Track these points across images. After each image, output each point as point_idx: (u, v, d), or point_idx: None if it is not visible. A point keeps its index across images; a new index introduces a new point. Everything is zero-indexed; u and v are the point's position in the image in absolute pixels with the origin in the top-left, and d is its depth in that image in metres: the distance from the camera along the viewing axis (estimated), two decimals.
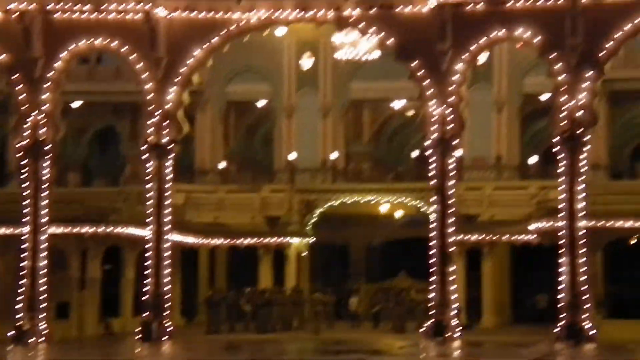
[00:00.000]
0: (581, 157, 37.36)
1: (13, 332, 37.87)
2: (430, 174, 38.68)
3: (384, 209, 49.34)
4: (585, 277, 36.88)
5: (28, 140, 39.19)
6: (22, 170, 39.93)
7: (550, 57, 37.52)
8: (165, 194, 39.67)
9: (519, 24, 37.64)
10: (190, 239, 44.79)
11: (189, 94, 41.03)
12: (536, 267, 42.79)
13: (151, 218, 39.48)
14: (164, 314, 38.79)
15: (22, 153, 39.69)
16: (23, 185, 39.76)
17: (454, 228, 38.46)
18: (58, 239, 39.95)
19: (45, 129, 39.14)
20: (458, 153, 39.05)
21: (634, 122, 53.33)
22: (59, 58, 39.21)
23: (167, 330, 38.47)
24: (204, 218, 47.36)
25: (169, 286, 39.77)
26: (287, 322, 44.62)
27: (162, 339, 37.73)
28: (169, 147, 39.50)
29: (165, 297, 39.21)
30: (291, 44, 49.29)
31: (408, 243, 45.37)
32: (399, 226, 49.55)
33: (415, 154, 50.00)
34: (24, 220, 39.04)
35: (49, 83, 39.14)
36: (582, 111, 36.99)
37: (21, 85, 39.28)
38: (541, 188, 44.78)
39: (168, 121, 39.35)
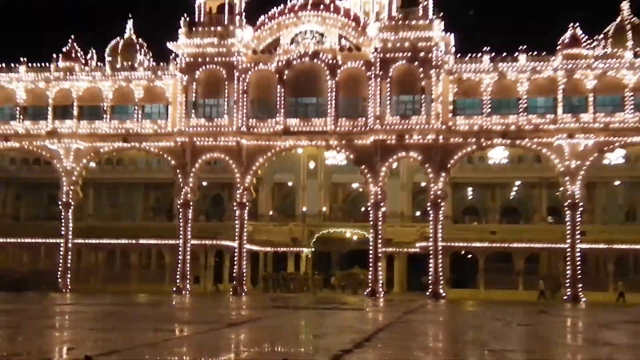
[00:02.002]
0: (440, 213, 38.49)
1: (175, 288, 39.26)
2: (370, 219, 39.32)
3: (348, 235, 48.11)
4: (441, 268, 38.08)
5: (182, 200, 40.22)
6: (180, 215, 40.71)
7: (426, 166, 38.41)
8: (244, 226, 40.27)
9: (412, 150, 38.44)
10: (255, 248, 44.54)
11: (256, 179, 41.36)
12: (418, 263, 42.24)
13: (237, 237, 40.07)
14: (243, 283, 39.87)
15: (180, 206, 40.64)
16: (180, 221, 40.54)
17: (381, 245, 39.09)
18: (195, 246, 40.58)
19: (190, 194, 40.06)
20: (383, 209, 39.36)
21: (465, 197, 50.73)
22: (197, 162, 40.13)
23: (244, 290, 39.47)
24: (262, 237, 45.88)
25: (245, 269, 40.64)
26: (301, 288, 43.59)
27: (242, 294, 38.63)
28: (246, 203, 40.14)
29: (243, 274, 40.17)
30: (304, 156, 46.88)
31: (359, 252, 44.17)
32: (355, 243, 48.02)
33: (363, 209, 47.53)
34: (180, 237, 40.04)
35: (192, 174, 39.97)
36: (440, 191, 38.07)
37: (179, 175, 40.18)
38: (421, 227, 42.40)
39: (246, 192, 39.86)
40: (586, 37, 39.19)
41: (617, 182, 46.06)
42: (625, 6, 41.67)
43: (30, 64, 42.43)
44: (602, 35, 41.38)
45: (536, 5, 73.58)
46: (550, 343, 13.43)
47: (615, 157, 40.90)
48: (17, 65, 42.37)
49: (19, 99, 42.21)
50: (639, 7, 43.10)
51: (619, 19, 41.75)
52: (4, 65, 42.75)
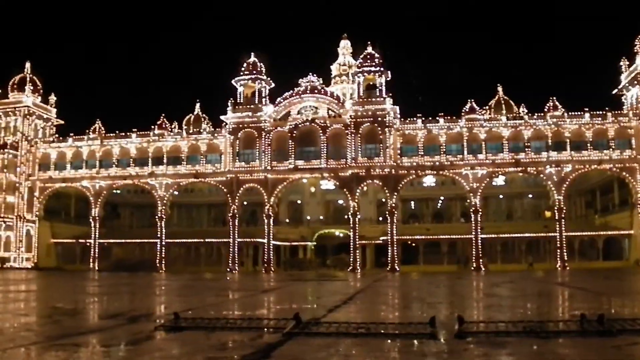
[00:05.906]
0: (394, 217, 38.17)
1: (228, 269, 38.23)
2: (350, 223, 38.80)
3: (337, 233, 45.85)
4: (396, 253, 37.69)
5: (231, 214, 39.70)
6: (230, 223, 39.96)
7: (384, 188, 38.11)
8: (270, 229, 39.54)
9: (375, 178, 38.12)
10: (278, 243, 42.26)
11: (277, 199, 40.44)
12: (382, 250, 40.11)
13: (266, 236, 39.41)
14: (271, 265, 38.61)
15: (230, 218, 39.88)
16: (230, 227, 39.83)
17: (358, 239, 38.66)
18: (240, 243, 39.45)
19: (236, 210, 39.60)
20: (358, 216, 38.83)
21: (409, 207, 49.09)
22: (240, 190, 39.12)
23: (272, 270, 38.27)
24: (282, 236, 43.23)
25: (272, 257, 39.59)
26: (307, 268, 40.80)
27: (270, 272, 37.17)
28: (271, 215, 39.51)
29: (271, 260, 39.24)
30: (308, 184, 44.26)
31: (344, 244, 41.84)
32: (341, 238, 44.66)
33: (345, 216, 46.16)
34: (230, 237, 39.52)
35: (237, 197, 39.05)
36: (394, 204, 37.37)
37: (229, 198, 39.64)
38: (383, 227, 40.12)
39: (271, 207, 39.32)
40: (479, 107, 40.05)
41: (500, 196, 46.72)
42: (500, 88, 43.39)
43: (138, 132, 43.19)
44: (487, 107, 42.53)
45: (448, 90, 78.23)
46: (463, 296, 13.53)
47: (499, 180, 41.70)
48: (130, 133, 43.27)
49: (131, 154, 42.84)
50: (508, 89, 46.28)
51: (497, 96, 43.17)
52: (124, 133, 43.38)
